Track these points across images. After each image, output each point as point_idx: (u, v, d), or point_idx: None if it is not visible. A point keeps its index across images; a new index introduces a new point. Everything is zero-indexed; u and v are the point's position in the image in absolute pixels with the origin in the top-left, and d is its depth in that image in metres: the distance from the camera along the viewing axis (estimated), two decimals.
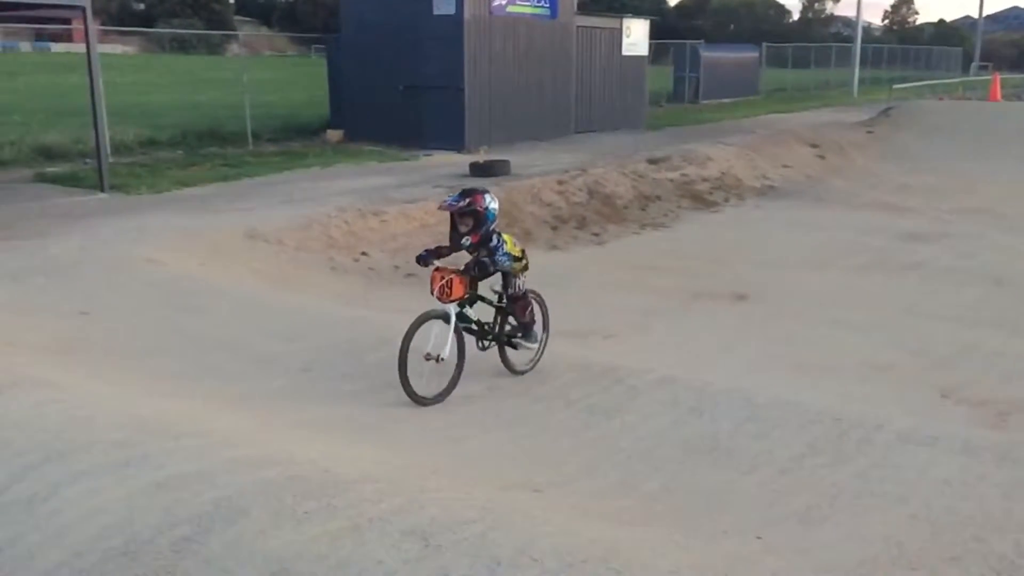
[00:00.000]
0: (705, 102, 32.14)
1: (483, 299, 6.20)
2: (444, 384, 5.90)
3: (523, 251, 6.29)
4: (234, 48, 50.19)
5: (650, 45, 24.52)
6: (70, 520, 3.18)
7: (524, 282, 6.28)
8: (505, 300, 6.31)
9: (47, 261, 8.67)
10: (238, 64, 21.82)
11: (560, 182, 14.21)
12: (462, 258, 6.08)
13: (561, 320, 8.75)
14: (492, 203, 5.97)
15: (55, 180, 13.47)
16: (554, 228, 12.96)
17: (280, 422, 5.10)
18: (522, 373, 6.43)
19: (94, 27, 12.67)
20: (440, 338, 5.76)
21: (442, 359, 5.73)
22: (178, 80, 32.74)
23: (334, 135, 19.14)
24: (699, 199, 15.39)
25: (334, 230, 10.72)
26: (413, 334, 5.64)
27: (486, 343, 6.31)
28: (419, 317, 5.76)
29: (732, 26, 76.69)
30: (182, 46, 52.99)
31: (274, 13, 74.77)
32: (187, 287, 8.24)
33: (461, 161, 15.77)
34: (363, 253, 10.60)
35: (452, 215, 5.99)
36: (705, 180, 16.10)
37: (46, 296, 7.72)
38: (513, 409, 5.83)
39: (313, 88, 22.91)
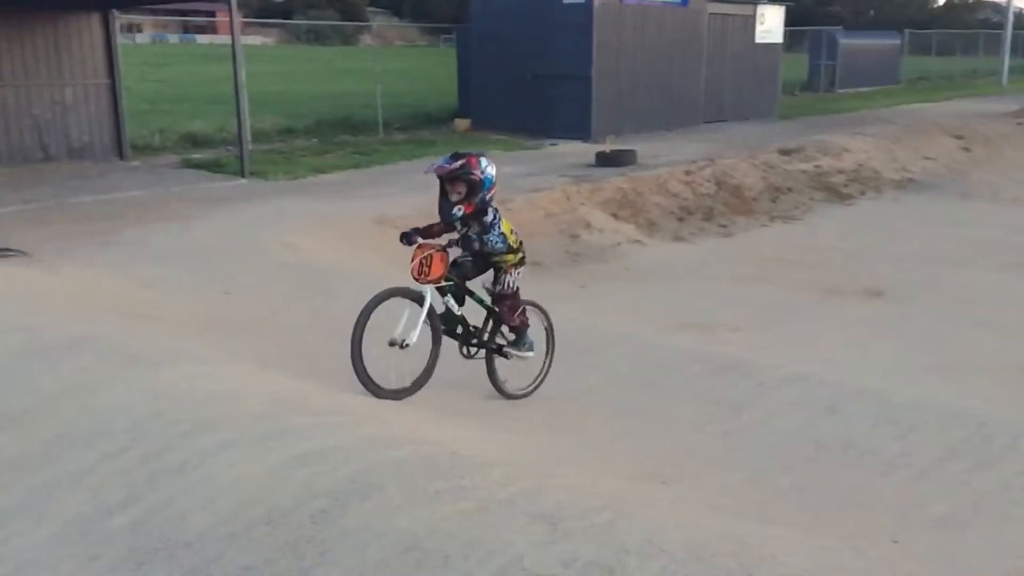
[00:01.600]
0: (842, 91, 31.01)
1: (472, 295, 5.49)
2: (412, 377, 5.18)
3: (521, 243, 5.56)
4: (366, 39, 51.50)
5: (785, 32, 23.84)
6: (217, 487, 3.35)
7: (516, 279, 5.50)
8: (494, 298, 5.52)
9: (192, 243, 9.14)
10: (370, 54, 22.37)
11: (687, 172, 14.01)
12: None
13: (686, 312, 8.68)
14: (489, 168, 5.18)
15: (200, 166, 14.21)
16: (680, 219, 12.79)
17: (409, 403, 5.21)
18: (514, 398, 5.72)
19: (238, 19, 13.21)
20: (410, 322, 5.05)
21: (407, 345, 4.98)
22: (313, 70, 33.81)
23: (462, 124, 19.40)
24: (833, 191, 14.90)
25: None
26: (371, 311, 4.90)
27: (471, 349, 5.59)
28: (381, 293, 5.01)
29: (872, 12, 73.63)
30: (317, 37, 54.73)
31: (405, 4, 76.06)
32: (320, 270, 8.54)
33: (587, 151, 15.72)
34: None
35: (442, 181, 5.18)
36: (840, 172, 15.56)
37: (191, 276, 8.13)
38: (639, 400, 5.79)
39: (442, 78, 23.27)
